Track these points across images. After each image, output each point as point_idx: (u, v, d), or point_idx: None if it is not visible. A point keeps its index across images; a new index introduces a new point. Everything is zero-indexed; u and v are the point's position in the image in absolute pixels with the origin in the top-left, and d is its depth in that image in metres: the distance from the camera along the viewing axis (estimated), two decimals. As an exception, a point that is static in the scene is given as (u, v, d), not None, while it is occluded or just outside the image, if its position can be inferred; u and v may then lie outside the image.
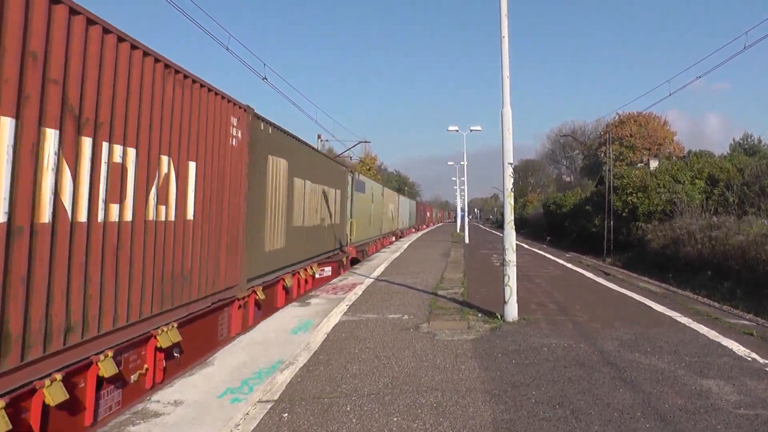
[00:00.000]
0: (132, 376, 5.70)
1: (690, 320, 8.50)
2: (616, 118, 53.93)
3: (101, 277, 5.10)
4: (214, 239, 7.70)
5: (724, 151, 44.31)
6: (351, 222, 19.45)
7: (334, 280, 13.88)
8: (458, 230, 46.03)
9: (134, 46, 5.58)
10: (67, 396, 4.42)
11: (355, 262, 19.19)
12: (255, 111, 9.24)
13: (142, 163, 5.81)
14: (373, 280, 13.38)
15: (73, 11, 4.67)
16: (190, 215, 6.97)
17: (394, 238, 35.59)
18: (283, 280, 11.05)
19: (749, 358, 6.29)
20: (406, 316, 8.74)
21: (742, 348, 6.75)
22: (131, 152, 5.58)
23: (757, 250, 16.12)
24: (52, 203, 4.42)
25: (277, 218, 10.61)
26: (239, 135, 8.61)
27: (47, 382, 4.28)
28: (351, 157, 48.41)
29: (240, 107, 8.63)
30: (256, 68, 41.34)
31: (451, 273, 14.98)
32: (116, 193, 5.33)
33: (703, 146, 48.19)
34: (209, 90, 7.50)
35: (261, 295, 9.42)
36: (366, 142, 48.98)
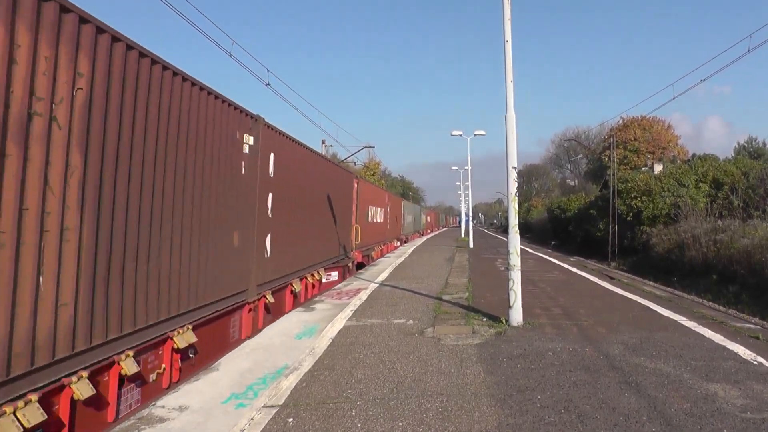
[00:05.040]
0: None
1: (695, 324, 8.47)
2: (620, 121, 53.78)
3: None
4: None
5: (727, 155, 44.15)
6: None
7: (339, 285, 13.89)
8: (463, 235, 46.00)
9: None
10: None
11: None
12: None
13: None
14: (377, 285, 13.38)
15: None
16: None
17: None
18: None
19: (755, 362, 6.26)
20: (411, 321, 8.74)
21: (748, 352, 6.72)
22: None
23: (762, 253, 16.06)
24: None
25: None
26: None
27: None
28: (355, 163, 48.39)
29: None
30: (259, 74, 41.51)
31: (455, 278, 14.97)
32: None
33: (704, 150, 47.83)
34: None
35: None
36: (370, 147, 48.85)
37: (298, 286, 11.39)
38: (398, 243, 34.89)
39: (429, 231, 71.97)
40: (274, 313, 9.80)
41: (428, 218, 78.56)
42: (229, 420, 4.68)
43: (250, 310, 8.83)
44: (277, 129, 10.17)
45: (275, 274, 10.07)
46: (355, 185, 19.99)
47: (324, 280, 13.97)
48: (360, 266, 19.21)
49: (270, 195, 9.78)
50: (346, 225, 17.93)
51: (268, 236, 9.72)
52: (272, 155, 9.85)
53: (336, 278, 14.89)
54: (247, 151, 8.67)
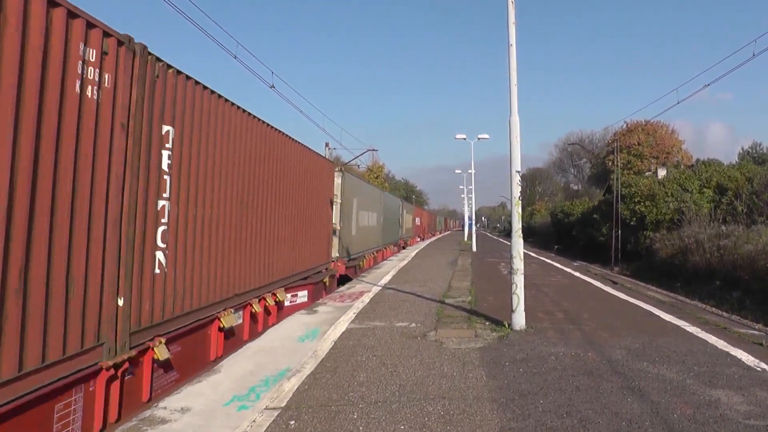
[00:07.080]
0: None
1: (698, 329, 8.45)
2: (624, 126, 53.56)
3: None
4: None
5: (731, 160, 44.01)
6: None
7: (342, 288, 13.88)
8: (466, 239, 45.99)
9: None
10: None
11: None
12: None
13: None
14: (380, 288, 13.38)
15: None
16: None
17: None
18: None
19: (759, 368, 6.24)
20: (413, 324, 8.74)
21: (751, 358, 6.69)
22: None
23: (766, 259, 16.01)
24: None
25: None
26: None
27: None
28: (359, 165, 48.44)
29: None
30: (264, 76, 41.60)
31: (458, 281, 14.96)
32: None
33: (708, 156, 47.66)
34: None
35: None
36: (374, 150, 48.90)
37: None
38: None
39: (419, 239, 50.02)
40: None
41: (418, 220, 53.81)
42: (230, 422, 4.69)
43: None
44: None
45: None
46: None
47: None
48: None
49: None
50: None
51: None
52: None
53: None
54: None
